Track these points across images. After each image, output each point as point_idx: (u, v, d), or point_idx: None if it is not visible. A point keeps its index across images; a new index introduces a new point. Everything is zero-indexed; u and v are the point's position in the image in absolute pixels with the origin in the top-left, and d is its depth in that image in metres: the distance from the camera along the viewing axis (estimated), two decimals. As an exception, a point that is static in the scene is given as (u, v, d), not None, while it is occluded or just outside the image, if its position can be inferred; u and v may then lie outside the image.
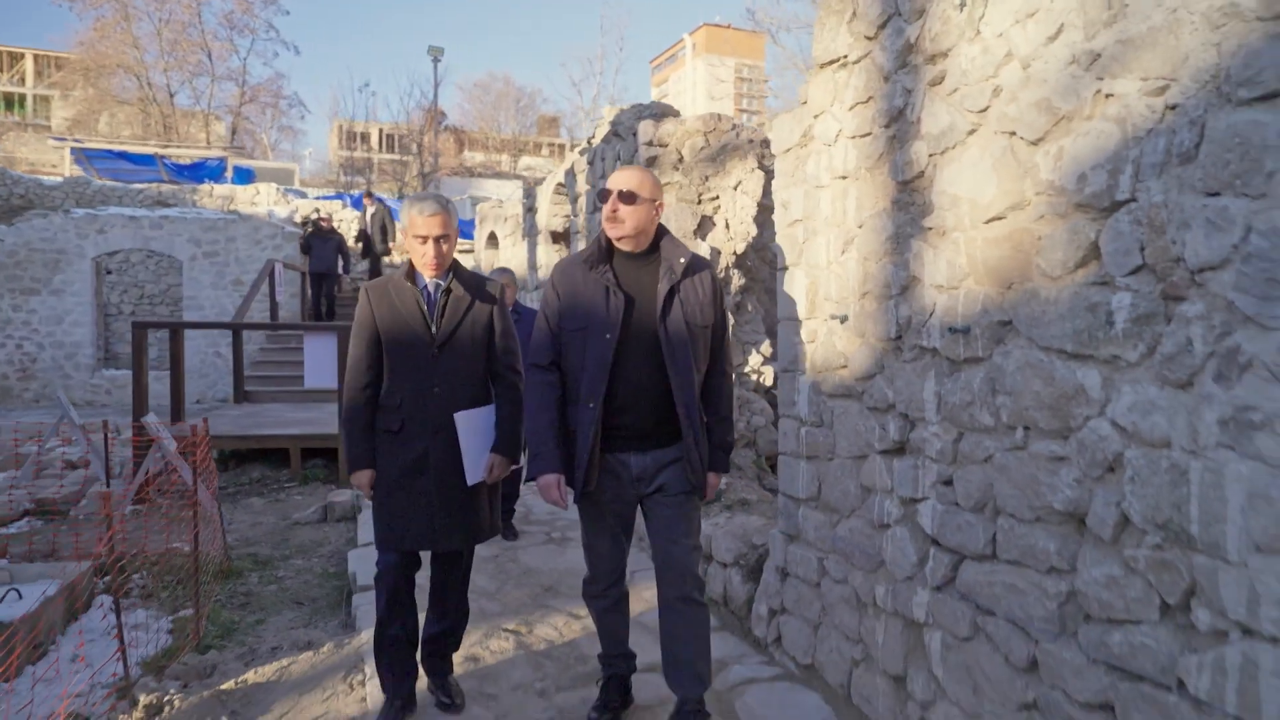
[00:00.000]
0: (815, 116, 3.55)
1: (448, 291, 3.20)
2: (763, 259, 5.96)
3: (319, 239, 14.81)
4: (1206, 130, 1.92)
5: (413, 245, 3.13)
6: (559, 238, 8.99)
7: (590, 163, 7.20)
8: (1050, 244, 2.37)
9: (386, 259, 15.93)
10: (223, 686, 3.61)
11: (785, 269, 3.80)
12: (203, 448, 5.33)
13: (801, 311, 3.69)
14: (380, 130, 53.06)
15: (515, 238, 10.75)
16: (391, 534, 3.16)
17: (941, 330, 2.82)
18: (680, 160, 5.71)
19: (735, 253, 5.51)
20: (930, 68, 2.86)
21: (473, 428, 3.17)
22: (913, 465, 2.99)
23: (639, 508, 3.16)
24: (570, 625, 4.41)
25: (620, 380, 2.94)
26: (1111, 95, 2.17)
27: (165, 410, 8.93)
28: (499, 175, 34.48)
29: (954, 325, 2.75)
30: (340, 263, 15.05)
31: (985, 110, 2.61)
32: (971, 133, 2.67)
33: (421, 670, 3.41)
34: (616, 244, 3.03)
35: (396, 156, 45.66)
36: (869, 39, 3.18)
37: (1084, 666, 2.29)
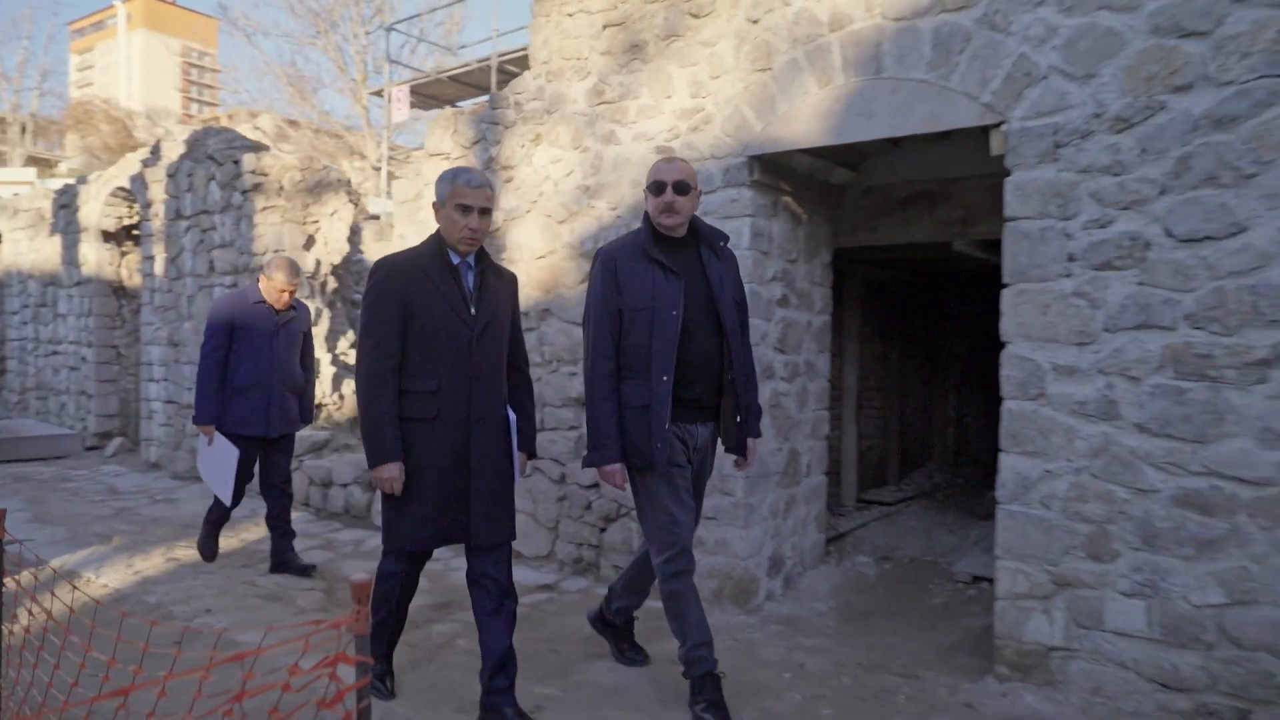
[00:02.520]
0: (426, 184, 5.74)
1: (482, 273, 3.05)
2: (349, 269, 7.78)
3: None
4: (631, 227, 4.68)
5: (452, 216, 2.93)
6: (111, 237, 9.37)
7: (171, 175, 8.14)
8: (567, 271, 4.98)
9: None
10: (52, 564, 4.44)
11: (402, 277, 5.91)
12: None
13: (416, 304, 5.85)
14: None
15: (35, 232, 10.41)
16: (428, 529, 2.95)
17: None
18: (281, 189, 7.27)
19: (333, 263, 7.28)
20: (505, 172, 5.31)
21: (513, 426, 3.13)
22: (496, 389, 5.39)
23: None
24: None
25: (685, 355, 3.06)
26: (594, 207, 4.86)
27: None
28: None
29: (523, 310, 5.23)
30: None
31: (535, 202, 5.15)
32: (528, 212, 5.19)
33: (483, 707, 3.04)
34: (666, 230, 3.13)
35: None
36: (466, 148, 5.52)
37: (585, 471, 4.95)
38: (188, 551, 5.43)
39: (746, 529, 4.38)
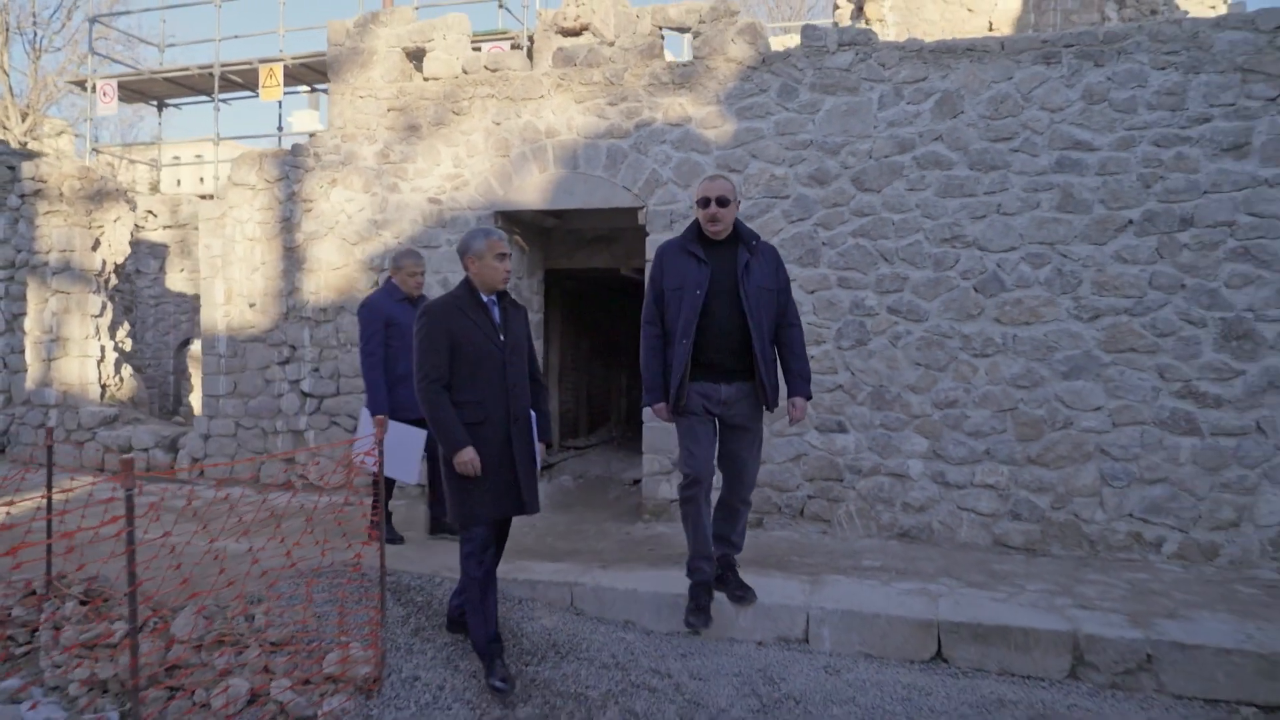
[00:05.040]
0: (231, 207, 7.32)
1: (504, 308, 3.74)
2: (123, 268, 8.77)
3: None
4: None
5: (492, 265, 3.64)
6: None
7: (-76, 173, 8.56)
8: (359, 280, 6.95)
9: None
10: None
11: (208, 279, 7.41)
12: None
13: (221, 300, 7.39)
14: None
15: None
16: (489, 506, 3.64)
17: (313, 310, 7.10)
18: (62, 195, 8.22)
19: (116, 263, 8.32)
20: (306, 204, 7.11)
21: (534, 423, 3.83)
22: (297, 366, 7.17)
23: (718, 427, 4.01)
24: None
25: (708, 327, 3.82)
26: (382, 235, 6.88)
27: None
28: None
29: (322, 307, 7.08)
30: None
31: (332, 228, 7.03)
32: (326, 235, 7.05)
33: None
34: (712, 235, 3.92)
35: None
36: (270, 182, 7.21)
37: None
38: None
39: (493, 453, 6.70)
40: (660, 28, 6.23)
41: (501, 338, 3.65)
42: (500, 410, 3.62)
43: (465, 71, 6.66)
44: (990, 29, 9.51)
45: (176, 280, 13.07)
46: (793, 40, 12.84)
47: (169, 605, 4.06)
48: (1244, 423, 5.16)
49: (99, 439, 7.85)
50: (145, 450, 7.73)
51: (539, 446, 3.85)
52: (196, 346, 11.84)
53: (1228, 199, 5.17)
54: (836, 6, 10.31)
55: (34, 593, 4.33)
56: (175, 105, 16.90)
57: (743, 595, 4.15)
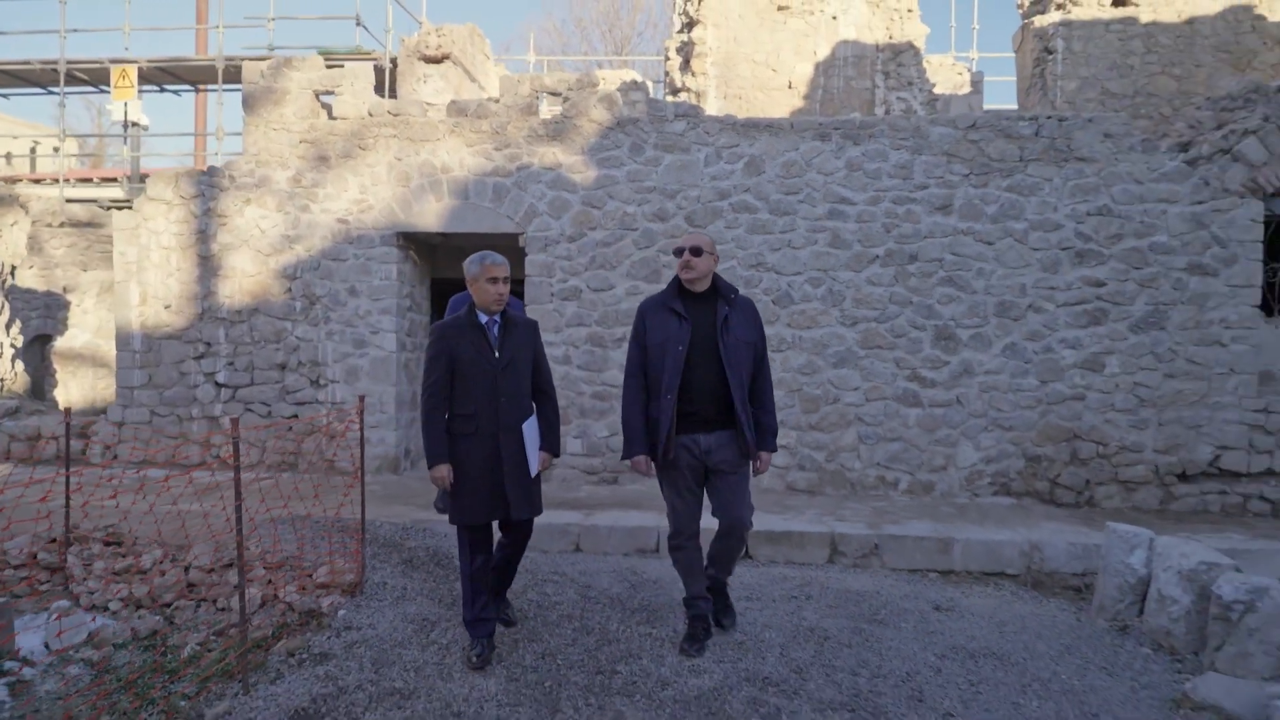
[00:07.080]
0: (146, 219, 8.20)
1: (504, 327, 3.99)
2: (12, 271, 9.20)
3: None
4: (323, 265, 8.03)
5: (485, 287, 3.91)
6: None
7: None
8: (272, 286, 8.09)
9: None
10: None
11: (123, 282, 8.25)
12: None
13: (136, 302, 8.26)
14: None
15: None
16: (473, 509, 3.93)
17: (228, 310, 8.15)
18: (-42, 199, 8.70)
19: (14, 265, 8.84)
20: (221, 219, 8.14)
21: (531, 432, 4.00)
22: (212, 360, 8.19)
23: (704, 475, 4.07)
24: None
25: (690, 380, 3.94)
26: (294, 249, 8.07)
27: None
28: None
29: (237, 309, 8.15)
30: None
31: (247, 241, 8.13)
32: (241, 247, 8.13)
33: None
34: (687, 285, 4.04)
35: None
36: (185, 198, 8.17)
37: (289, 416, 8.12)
38: None
39: (394, 432, 8.07)
40: (537, 91, 7.84)
41: (496, 354, 3.94)
42: (490, 422, 3.90)
43: (370, 114, 7.97)
44: (790, 87, 11.78)
45: (26, 277, 13.15)
46: (628, 74, 14.73)
47: (179, 543, 5.29)
48: (949, 397, 7.48)
49: (4, 428, 8.45)
50: (55, 438, 8.43)
51: (540, 455, 4.07)
52: (60, 342, 12.12)
53: (939, 242, 7.47)
54: (667, 58, 12.25)
55: (54, 540, 5.35)
56: (4, 95, 16.48)
57: (721, 620, 4.33)
